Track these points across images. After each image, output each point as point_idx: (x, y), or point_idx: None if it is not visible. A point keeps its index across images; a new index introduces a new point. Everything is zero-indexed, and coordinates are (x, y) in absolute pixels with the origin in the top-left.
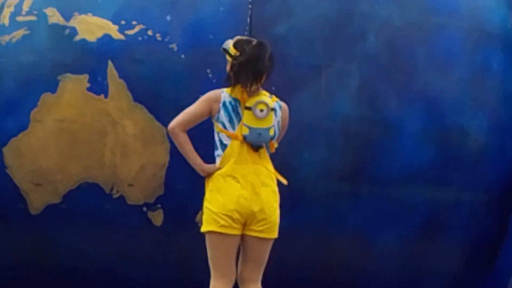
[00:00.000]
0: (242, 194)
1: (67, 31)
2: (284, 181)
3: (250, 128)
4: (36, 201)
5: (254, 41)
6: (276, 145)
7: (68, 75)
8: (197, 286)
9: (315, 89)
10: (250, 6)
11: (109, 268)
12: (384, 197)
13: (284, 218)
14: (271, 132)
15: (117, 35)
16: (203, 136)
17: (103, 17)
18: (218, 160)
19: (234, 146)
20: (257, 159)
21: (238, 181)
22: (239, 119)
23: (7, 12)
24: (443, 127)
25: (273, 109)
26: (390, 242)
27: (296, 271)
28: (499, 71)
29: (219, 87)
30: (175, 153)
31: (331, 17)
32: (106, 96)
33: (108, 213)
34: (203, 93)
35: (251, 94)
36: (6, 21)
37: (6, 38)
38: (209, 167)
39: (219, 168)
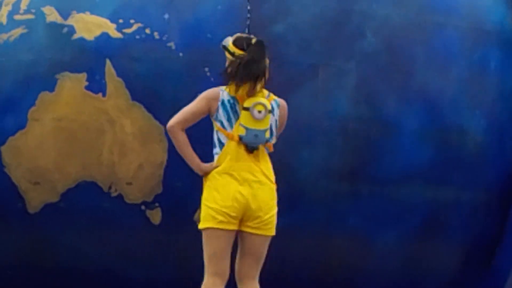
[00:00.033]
0: (239, 190)
1: (65, 29)
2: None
3: (247, 128)
4: (34, 200)
5: (254, 39)
6: (274, 141)
7: (66, 73)
8: (195, 284)
9: (313, 88)
10: (248, 5)
11: (107, 266)
12: (384, 197)
13: (284, 218)
14: (267, 134)
15: (115, 34)
16: (200, 136)
17: (101, 15)
18: (216, 158)
19: (231, 144)
20: (255, 158)
21: (235, 178)
22: (237, 118)
23: (5, 10)
24: (442, 126)
25: (271, 111)
26: (390, 241)
27: (296, 271)
28: (497, 70)
29: (217, 86)
30: (173, 152)
31: (329, 16)
32: (104, 95)
33: (106, 212)
34: (201, 91)
35: (250, 93)
36: (4, 20)
37: (4, 36)
38: (206, 166)
39: (217, 167)
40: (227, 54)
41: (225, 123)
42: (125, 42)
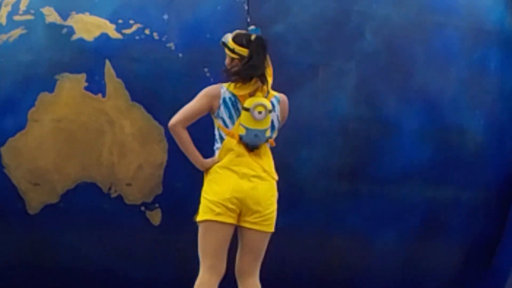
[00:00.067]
0: (238, 183)
1: (65, 30)
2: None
3: (247, 128)
4: (34, 201)
5: (254, 36)
6: (276, 135)
7: (66, 74)
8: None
9: (313, 88)
10: (246, 6)
11: (107, 267)
12: (383, 197)
13: (283, 218)
14: (267, 133)
15: (115, 34)
16: (200, 135)
17: (100, 16)
18: (217, 153)
19: (232, 140)
20: (254, 155)
21: (235, 173)
22: (239, 115)
23: (4, 11)
24: (442, 126)
25: (271, 110)
26: (390, 241)
27: (296, 271)
28: (497, 70)
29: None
30: (173, 152)
31: (329, 16)
32: (103, 96)
33: (106, 213)
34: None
35: (252, 92)
36: (4, 20)
37: (4, 37)
38: (208, 161)
39: (218, 161)
40: (226, 51)
41: (227, 120)
42: (124, 43)
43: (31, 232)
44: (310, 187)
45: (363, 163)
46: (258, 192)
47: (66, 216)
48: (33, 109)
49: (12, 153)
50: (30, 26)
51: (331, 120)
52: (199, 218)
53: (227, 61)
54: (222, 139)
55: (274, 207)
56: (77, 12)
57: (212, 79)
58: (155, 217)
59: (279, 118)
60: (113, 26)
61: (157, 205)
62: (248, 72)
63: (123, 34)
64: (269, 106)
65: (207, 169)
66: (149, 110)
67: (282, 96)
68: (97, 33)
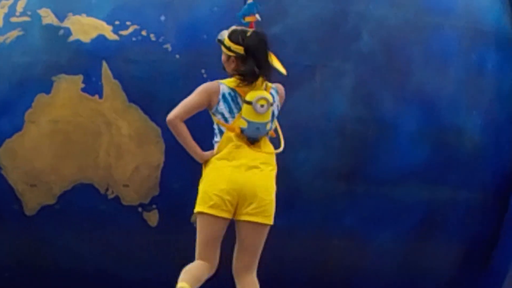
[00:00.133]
0: (234, 173)
1: (61, 31)
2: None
3: (248, 122)
4: (31, 202)
5: (249, 32)
6: (275, 125)
7: (63, 75)
8: None
9: (310, 89)
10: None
11: (104, 268)
12: (380, 197)
13: (281, 218)
14: (268, 126)
15: (111, 36)
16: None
17: (97, 17)
18: (216, 146)
19: (230, 133)
20: (254, 146)
21: (232, 163)
22: (239, 109)
23: (0, 13)
24: (439, 126)
25: (272, 104)
26: (387, 241)
27: (293, 271)
28: (494, 70)
29: None
30: (170, 153)
31: (326, 17)
32: (100, 97)
33: (103, 214)
34: None
35: (252, 86)
36: (0, 22)
37: (0, 39)
38: (207, 154)
39: (217, 153)
40: (223, 48)
41: (227, 114)
42: (121, 44)
43: (28, 233)
44: (308, 188)
45: (360, 163)
46: (255, 183)
47: (63, 217)
48: (30, 110)
49: (9, 154)
50: (26, 28)
51: (329, 121)
52: (195, 209)
53: (223, 58)
54: (221, 132)
55: (272, 197)
56: (74, 14)
57: (209, 80)
58: (152, 218)
59: (278, 108)
60: (110, 28)
61: (154, 206)
62: (253, 74)
63: (120, 36)
64: (271, 99)
65: (206, 162)
66: (146, 111)
67: (278, 86)
68: (94, 35)
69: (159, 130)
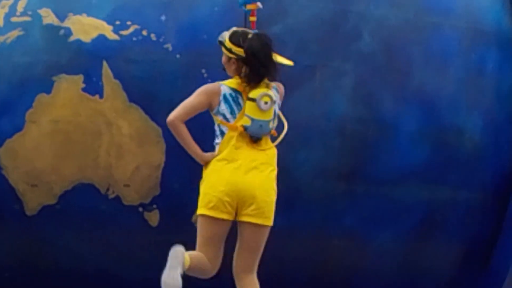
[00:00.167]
0: (233, 175)
1: (62, 31)
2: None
3: (252, 119)
4: (32, 202)
5: (251, 34)
6: (275, 124)
7: (63, 75)
8: (193, 285)
9: (310, 89)
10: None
11: (105, 268)
12: (380, 197)
13: (281, 218)
14: (271, 124)
15: (112, 36)
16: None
17: (97, 17)
18: (217, 148)
19: (233, 133)
20: (256, 146)
21: (231, 164)
22: (240, 109)
23: (1, 13)
24: (439, 126)
25: (275, 101)
26: (387, 241)
27: (293, 271)
28: (494, 70)
29: None
30: (170, 153)
31: (326, 17)
32: (101, 97)
33: (103, 214)
34: None
35: (254, 85)
36: (1, 22)
37: (1, 39)
38: (207, 155)
39: (218, 155)
40: (223, 50)
41: (228, 115)
42: (122, 44)
43: (28, 233)
44: (308, 188)
45: (360, 163)
46: (254, 184)
47: (63, 217)
48: (30, 110)
49: (10, 154)
50: (27, 28)
51: (329, 121)
52: (198, 212)
53: (223, 59)
54: (222, 133)
55: (272, 199)
56: (74, 14)
57: (209, 80)
58: (153, 218)
59: (279, 106)
60: (111, 27)
61: (155, 206)
62: (257, 76)
63: (120, 35)
64: (274, 97)
65: (207, 163)
66: (146, 111)
67: (278, 85)
68: (94, 34)
69: (159, 130)
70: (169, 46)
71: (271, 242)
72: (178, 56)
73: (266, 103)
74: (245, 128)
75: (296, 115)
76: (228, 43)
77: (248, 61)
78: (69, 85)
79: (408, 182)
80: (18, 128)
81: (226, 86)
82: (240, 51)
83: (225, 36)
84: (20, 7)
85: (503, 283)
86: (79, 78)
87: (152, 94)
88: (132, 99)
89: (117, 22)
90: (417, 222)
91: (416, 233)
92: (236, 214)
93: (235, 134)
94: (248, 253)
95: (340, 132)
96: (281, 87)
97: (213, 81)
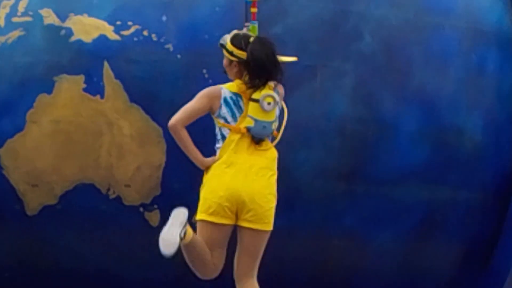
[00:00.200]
0: (232, 180)
1: (63, 31)
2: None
3: (256, 120)
4: (33, 202)
5: (252, 38)
6: (277, 125)
7: (64, 75)
8: (193, 285)
9: (310, 89)
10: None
11: (106, 268)
12: (380, 197)
13: (280, 218)
14: (274, 126)
15: (113, 36)
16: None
17: (98, 17)
18: (218, 153)
19: (234, 137)
20: (256, 151)
21: (231, 169)
22: (241, 113)
23: (2, 13)
24: (439, 126)
25: (278, 102)
26: (387, 241)
27: (293, 271)
28: (494, 70)
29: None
30: (171, 153)
31: (327, 17)
32: (102, 97)
33: (104, 214)
34: None
35: (256, 88)
36: (2, 22)
37: (2, 39)
38: (208, 160)
39: (218, 159)
40: (225, 53)
41: (229, 119)
42: (123, 44)
43: (29, 233)
44: (308, 188)
45: (360, 163)
46: (253, 190)
47: (64, 217)
48: (31, 110)
49: (11, 154)
50: (28, 28)
51: (329, 121)
52: (197, 217)
53: (225, 62)
54: (223, 138)
55: (271, 204)
56: (75, 14)
57: (210, 81)
58: (154, 218)
59: (279, 108)
60: (112, 28)
61: (155, 206)
62: (260, 80)
63: (121, 36)
64: (277, 98)
65: (207, 168)
66: (147, 111)
67: (278, 86)
68: (95, 35)
69: (160, 130)
70: (170, 46)
71: (271, 242)
72: (179, 56)
73: (269, 103)
74: (248, 129)
75: (296, 115)
76: (229, 46)
77: (251, 67)
78: (70, 85)
79: (408, 182)
80: (19, 128)
81: (227, 89)
82: (242, 54)
83: (227, 39)
84: (21, 7)
85: (503, 283)
86: (80, 78)
87: (153, 94)
88: (133, 99)
89: (118, 22)
90: (417, 222)
91: (416, 233)
92: (236, 218)
93: (236, 138)
94: (248, 257)
95: (340, 132)
96: (281, 89)
97: (214, 81)
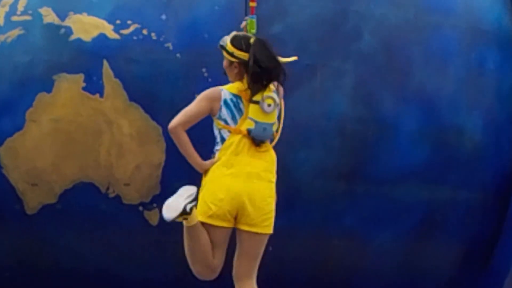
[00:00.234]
0: (233, 183)
1: (62, 30)
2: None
3: (256, 122)
4: (32, 201)
5: (252, 39)
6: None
7: (64, 74)
8: (193, 285)
9: (310, 89)
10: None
11: (105, 267)
12: (380, 197)
13: (280, 218)
14: (274, 127)
15: (112, 35)
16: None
17: (98, 16)
18: (216, 155)
19: (233, 139)
20: (256, 153)
21: (231, 172)
22: (241, 115)
23: (2, 12)
24: (439, 126)
25: (278, 104)
26: (387, 241)
27: (293, 271)
28: (494, 69)
29: (215, 86)
30: (171, 152)
31: (327, 17)
32: (101, 96)
33: (104, 213)
34: (198, 92)
35: (255, 89)
36: (1, 21)
37: (1, 38)
38: (206, 163)
39: (217, 161)
40: (225, 54)
41: (229, 121)
42: (122, 43)
43: (29, 233)
44: (308, 187)
45: (360, 163)
46: (253, 192)
47: (64, 217)
48: (31, 109)
49: (10, 153)
50: (28, 27)
51: (329, 121)
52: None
53: (225, 63)
54: (223, 140)
55: (271, 207)
56: (75, 13)
57: (210, 79)
58: (153, 217)
59: (279, 109)
60: (111, 27)
61: (155, 205)
62: (262, 82)
63: (121, 35)
64: (277, 99)
65: (206, 171)
66: (147, 110)
67: (278, 87)
68: (95, 34)
69: (160, 129)
70: (169, 45)
71: (270, 242)
72: (178, 55)
73: (269, 105)
74: (249, 132)
75: (296, 115)
76: (230, 47)
77: (253, 70)
78: (69, 84)
79: (408, 182)
80: (19, 127)
81: (227, 91)
82: (243, 55)
83: (226, 40)
84: (20, 6)
85: (503, 283)
86: (80, 77)
87: (152, 93)
88: (132, 98)
89: (118, 21)
90: (417, 222)
91: (416, 233)
92: (235, 221)
93: (236, 140)
94: (247, 260)
95: (340, 132)
96: (280, 90)
97: (213, 79)
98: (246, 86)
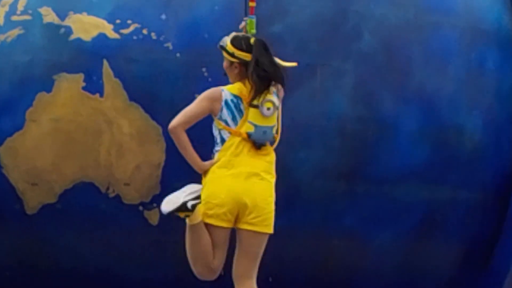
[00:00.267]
0: (233, 183)
1: (62, 30)
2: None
3: (255, 126)
4: (32, 201)
5: (253, 39)
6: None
7: (63, 74)
8: (193, 285)
9: (310, 89)
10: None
11: (105, 267)
12: (380, 196)
13: (280, 217)
14: (275, 130)
15: (112, 34)
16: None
17: (98, 16)
18: (216, 155)
19: (233, 141)
20: (255, 154)
21: (231, 172)
22: (242, 116)
23: (1, 11)
24: (439, 126)
25: (278, 107)
26: (387, 241)
27: (293, 271)
28: (494, 69)
29: (215, 86)
30: (171, 152)
31: (327, 16)
32: (101, 96)
33: (104, 213)
34: (198, 92)
35: (257, 92)
36: (1, 21)
37: (1, 37)
38: (206, 164)
39: (216, 162)
40: (225, 54)
41: (230, 122)
42: (122, 43)
43: (29, 233)
44: (308, 187)
45: (360, 163)
46: (254, 192)
47: (64, 216)
48: (31, 109)
49: (10, 153)
50: (27, 26)
51: (329, 120)
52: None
53: (225, 64)
54: (223, 141)
55: (271, 207)
56: (75, 12)
57: (210, 79)
58: (153, 217)
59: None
60: (111, 26)
61: (155, 205)
62: (264, 82)
63: (120, 34)
64: (277, 102)
65: (205, 172)
66: (147, 110)
67: (278, 88)
68: (94, 33)
69: (160, 128)
70: (169, 45)
71: (271, 242)
72: (178, 55)
73: (268, 109)
74: (249, 135)
75: (296, 115)
76: (230, 47)
77: (252, 66)
78: (69, 84)
79: (408, 182)
80: (19, 127)
81: (228, 91)
82: (244, 55)
83: (226, 40)
84: (20, 6)
85: (503, 283)
86: (80, 77)
87: (152, 93)
88: (132, 98)
89: (118, 21)
90: (417, 222)
91: (416, 233)
92: (235, 221)
93: (236, 141)
94: (247, 259)
95: (340, 132)
96: (281, 91)
97: (213, 79)
98: (248, 89)
